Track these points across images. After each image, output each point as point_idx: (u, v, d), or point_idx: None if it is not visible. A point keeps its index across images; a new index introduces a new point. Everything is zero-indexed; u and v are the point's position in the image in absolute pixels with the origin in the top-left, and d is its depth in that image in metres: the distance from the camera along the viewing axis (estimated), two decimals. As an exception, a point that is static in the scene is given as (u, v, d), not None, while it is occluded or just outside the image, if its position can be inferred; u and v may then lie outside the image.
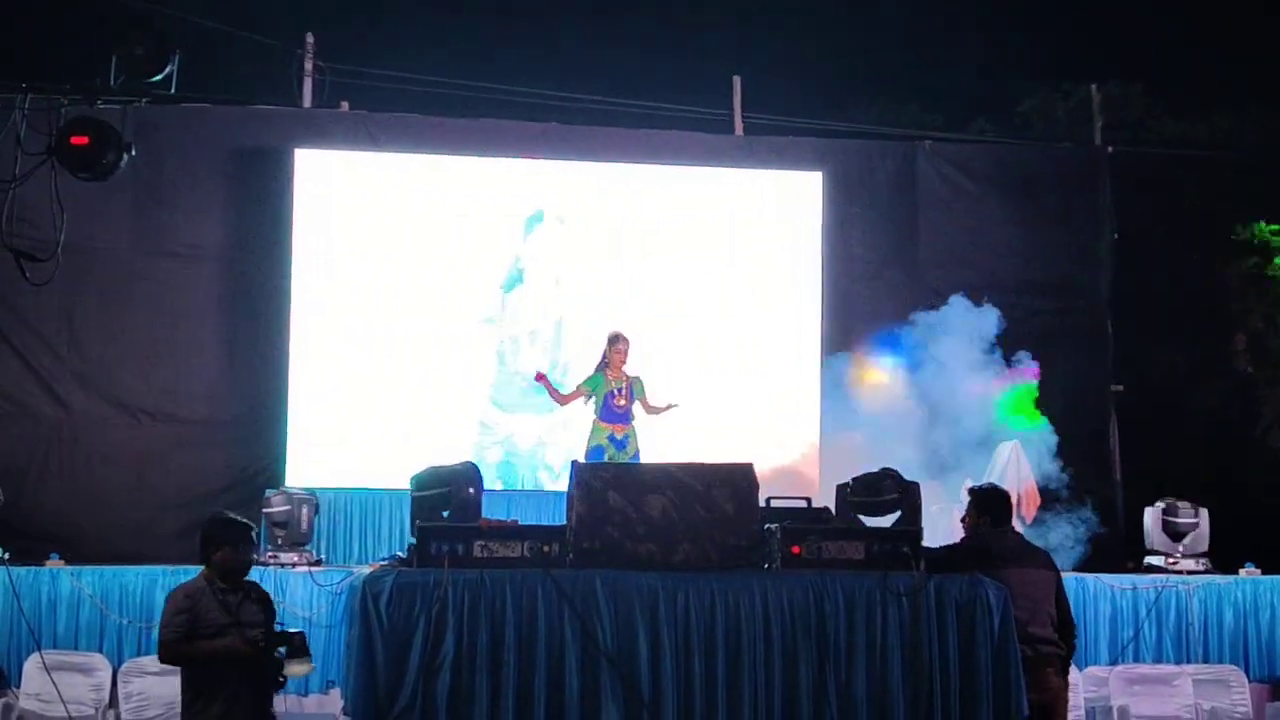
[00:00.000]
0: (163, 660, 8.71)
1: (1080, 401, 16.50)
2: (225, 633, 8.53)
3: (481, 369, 15.70)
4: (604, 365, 13.90)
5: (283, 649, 8.74)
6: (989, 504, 9.54)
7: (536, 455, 15.69)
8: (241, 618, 8.63)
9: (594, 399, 13.86)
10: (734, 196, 16.31)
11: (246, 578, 9.03)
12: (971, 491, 9.79)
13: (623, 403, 13.76)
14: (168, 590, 12.08)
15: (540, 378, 14.14)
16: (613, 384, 13.76)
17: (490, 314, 15.78)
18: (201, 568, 8.88)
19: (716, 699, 9.48)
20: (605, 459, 13.52)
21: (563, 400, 14.28)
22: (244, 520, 9.02)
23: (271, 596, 9.22)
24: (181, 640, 8.45)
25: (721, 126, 16.89)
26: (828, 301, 16.14)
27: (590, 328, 15.38)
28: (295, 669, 8.89)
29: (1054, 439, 14.96)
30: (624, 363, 13.86)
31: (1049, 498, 14.78)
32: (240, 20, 15.88)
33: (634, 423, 13.85)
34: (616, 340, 13.91)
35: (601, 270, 15.99)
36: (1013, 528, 9.54)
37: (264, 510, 13.12)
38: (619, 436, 13.66)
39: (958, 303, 15.31)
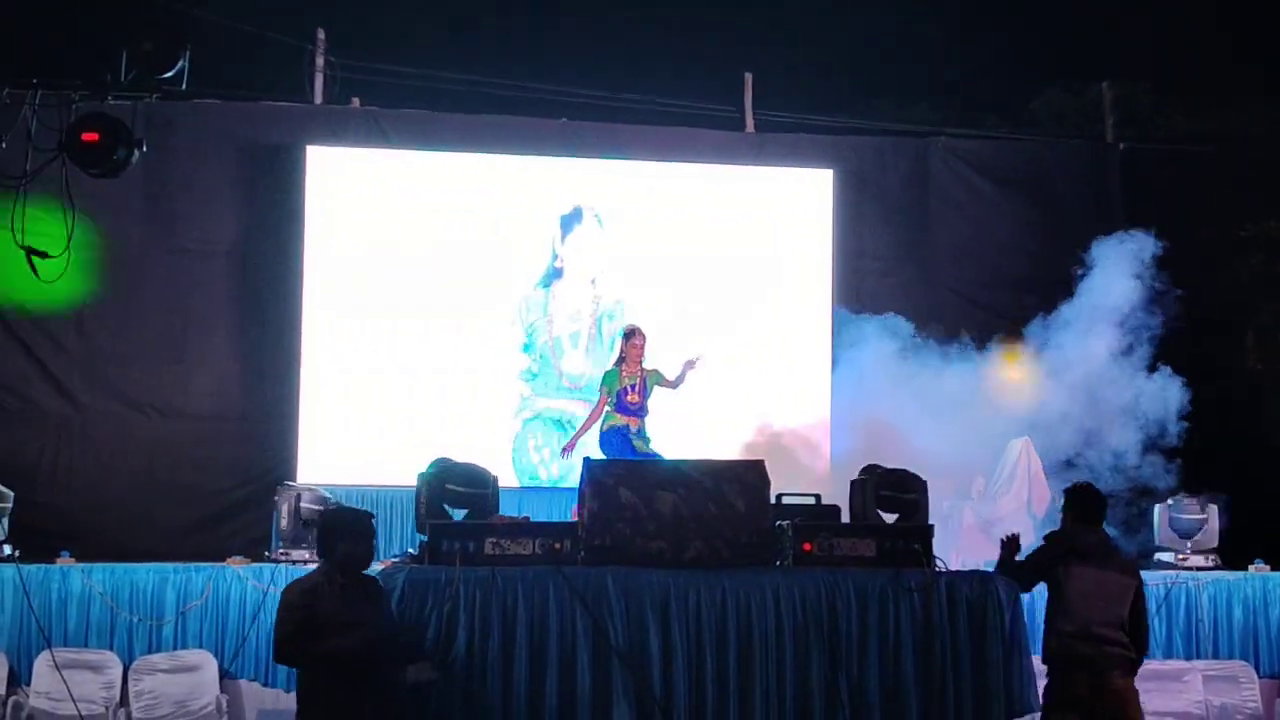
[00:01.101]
0: (278, 660, 8.36)
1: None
2: (346, 632, 8.02)
3: (492, 365, 15.68)
4: (620, 360, 13.83)
5: (404, 651, 8.44)
6: (1077, 501, 9.48)
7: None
8: (360, 617, 8.14)
9: (610, 393, 13.78)
10: (745, 193, 16.30)
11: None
12: (1065, 490, 9.74)
13: (635, 399, 13.69)
14: (178, 588, 12.22)
15: (567, 450, 14.08)
16: (626, 380, 13.68)
17: (504, 313, 15.76)
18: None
19: (728, 696, 9.48)
20: (627, 439, 13.47)
21: (593, 421, 13.98)
22: (366, 511, 8.69)
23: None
24: (295, 638, 7.95)
25: (733, 123, 16.89)
26: (838, 298, 16.11)
27: (599, 327, 15.42)
28: (419, 673, 8.59)
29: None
30: (641, 357, 13.75)
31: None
32: (251, 16, 15.90)
33: (648, 418, 13.77)
34: (632, 334, 13.82)
35: (610, 267, 15.96)
36: (1100, 528, 9.46)
37: (277, 507, 13.11)
38: (633, 429, 13.60)
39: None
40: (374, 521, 8.56)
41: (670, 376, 13.79)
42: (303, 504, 13.06)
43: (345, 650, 7.98)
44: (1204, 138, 18.28)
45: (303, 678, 8.12)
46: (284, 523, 13.05)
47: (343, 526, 8.35)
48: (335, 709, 7.98)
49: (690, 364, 13.79)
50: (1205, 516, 14.10)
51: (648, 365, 13.78)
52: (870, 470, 11.08)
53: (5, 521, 12.70)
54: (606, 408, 13.71)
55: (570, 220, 15.94)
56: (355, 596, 8.22)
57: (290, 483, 13.87)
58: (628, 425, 13.57)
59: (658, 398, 13.88)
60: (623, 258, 15.98)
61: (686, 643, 9.50)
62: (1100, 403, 15.04)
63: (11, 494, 12.91)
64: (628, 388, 13.66)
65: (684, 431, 14.64)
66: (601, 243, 16.01)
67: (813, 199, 16.39)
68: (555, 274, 15.93)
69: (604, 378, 13.89)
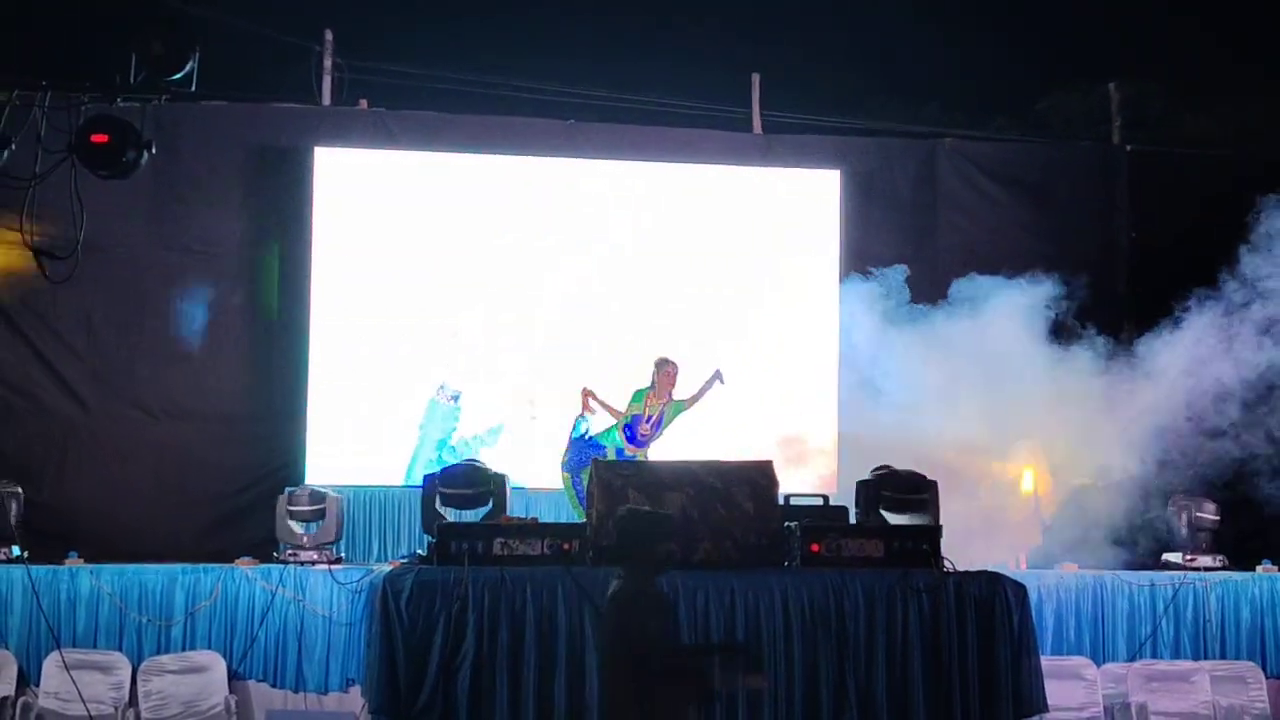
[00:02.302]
0: (641, 671, 7.57)
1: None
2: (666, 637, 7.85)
3: (500, 366, 15.68)
4: (650, 388, 13.79)
5: (726, 657, 8.26)
6: None
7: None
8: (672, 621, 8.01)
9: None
10: (752, 194, 16.30)
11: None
12: None
13: (647, 431, 13.67)
14: (187, 589, 12.23)
15: (588, 392, 13.92)
16: (649, 409, 13.66)
17: (510, 316, 15.77)
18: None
19: (737, 696, 9.50)
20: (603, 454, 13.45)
21: (613, 414, 14.02)
22: (666, 512, 8.56)
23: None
24: (657, 646, 7.62)
25: (740, 124, 16.88)
26: (846, 299, 16.09)
27: (607, 328, 15.45)
28: (754, 682, 8.52)
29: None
30: (671, 387, 13.74)
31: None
32: (260, 18, 15.91)
33: (649, 451, 13.74)
34: (665, 364, 13.80)
35: (619, 269, 15.96)
36: None
37: (285, 508, 13.13)
38: (629, 455, 13.56)
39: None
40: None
41: (689, 395, 13.81)
42: (309, 505, 13.10)
43: (696, 659, 7.93)
44: (1212, 139, 18.27)
45: (629, 689, 7.63)
46: (290, 524, 13.09)
47: (660, 527, 8.01)
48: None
49: (717, 376, 13.80)
50: (1214, 517, 14.10)
51: (677, 395, 13.80)
52: (881, 471, 11.12)
53: (15, 506, 12.72)
54: (615, 431, 13.70)
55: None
56: (665, 601, 8.09)
57: (301, 486, 13.90)
58: (621, 449, 13.55)
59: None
60: (629, 259, 15.96)
61: (695, 643, 9.52)
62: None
63: (20, 494, 12.94)
64: (648, 417, 13.64)
65: (691, 432, 14.64)
66: (607, 245, 15.97)
67: (820, 200, 16.39)
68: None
69: (634, 396, 13.87)
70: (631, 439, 13.62)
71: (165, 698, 12.06)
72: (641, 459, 13.52)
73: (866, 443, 14.33)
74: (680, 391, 13.81)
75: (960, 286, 15.04)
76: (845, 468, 15.15)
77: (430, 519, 10.83)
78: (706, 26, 22.67)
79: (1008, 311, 14.70)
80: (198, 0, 13.10)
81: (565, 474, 13.68)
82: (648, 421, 13.65)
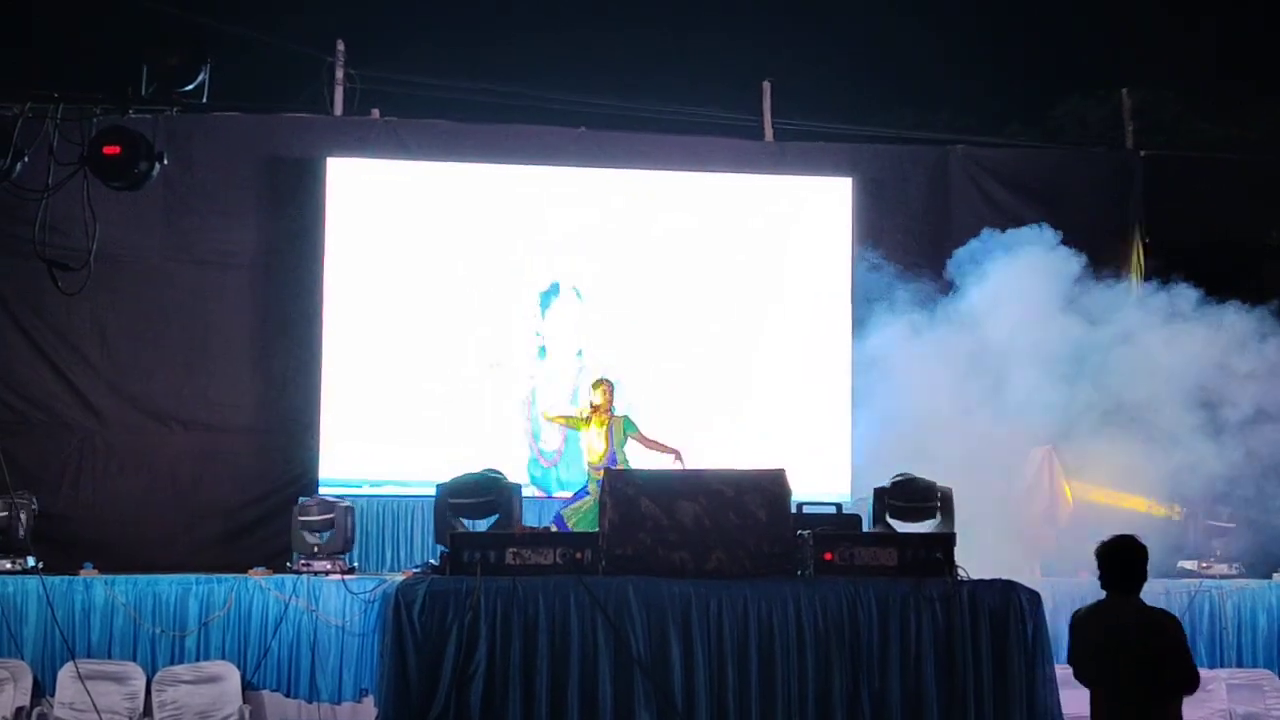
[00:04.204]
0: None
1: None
2: None
3: (515, 375, 15.68)
4: (590, 410, 13.91)
5: None
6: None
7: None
8: None
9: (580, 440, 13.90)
10: (764, 202, 16.28)
11: None
12: None
13: (600, 446, 13.73)
14: (200, 599, 12.26)
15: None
16: (596, 427, 13.75)
17: (521, 324, 15.78)
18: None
19: (750, 707, 9.50)
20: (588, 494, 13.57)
21: (555, 418, 14.55)
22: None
23: None
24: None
25: (752, 132, 16.86)
26: (858, 307, 16.08)
27: (619, 338, 15.47)
28: None
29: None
30: (607, 407, 13.83)
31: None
32: (271, 29, 15.92)
33: (621, 466, 13.76)
34: (595, 385, 13.96)
35: (631, 277, 15.96)
36: None
37: (298, 518, 13.14)
38: (595, 472, 13.60)
39: None
40: None
41: (643, 431, 13.83)
42: (322, 515, 13.11)
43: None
44: (1227, 144, 18.24)
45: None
46: (304, 534, 13.10)
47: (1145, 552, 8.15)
48: None
49: (677, 458, 13.81)
50: (1230, 525, 14.08)
51: (618, 411, 13.89)
52: (898, 479, 11.11)
53: (30, 517, 12.75)
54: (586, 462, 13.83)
55: (548, 296, 15.91)
56: None
57: (312, 495, 13.92)
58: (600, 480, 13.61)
59: (671, 409, 13.95)
60: (641, 267, 15.96)
61: (708, 653, 9.52)
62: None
63: (35, 502, 12.97)
64: (596, 434, 13.70)
65: (704, 440, 14.64)
66: (619, 254, 15.97)
67: (832, 207, 16.36)
68: (540, 352, 15.92)
69: (571, 422, 14.22)
70: (596, 462, 13.72)
71: (180, 708, 12.08)
72: (604, 466, 13.54)
73: (879, 449, 14.32)
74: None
75: (973, 293, 15.01)
76: (859, 475, 15.14)
77: (444, 529, 10.82)
78: (718, 35, 22.72)
79: (1021, 317, 14.69)
80: (210, 12, 13.10)
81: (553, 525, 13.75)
82: (599, 437, 13.75)
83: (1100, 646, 8.01)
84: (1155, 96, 19.44)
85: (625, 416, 13.82)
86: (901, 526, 11.05)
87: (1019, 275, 14.83)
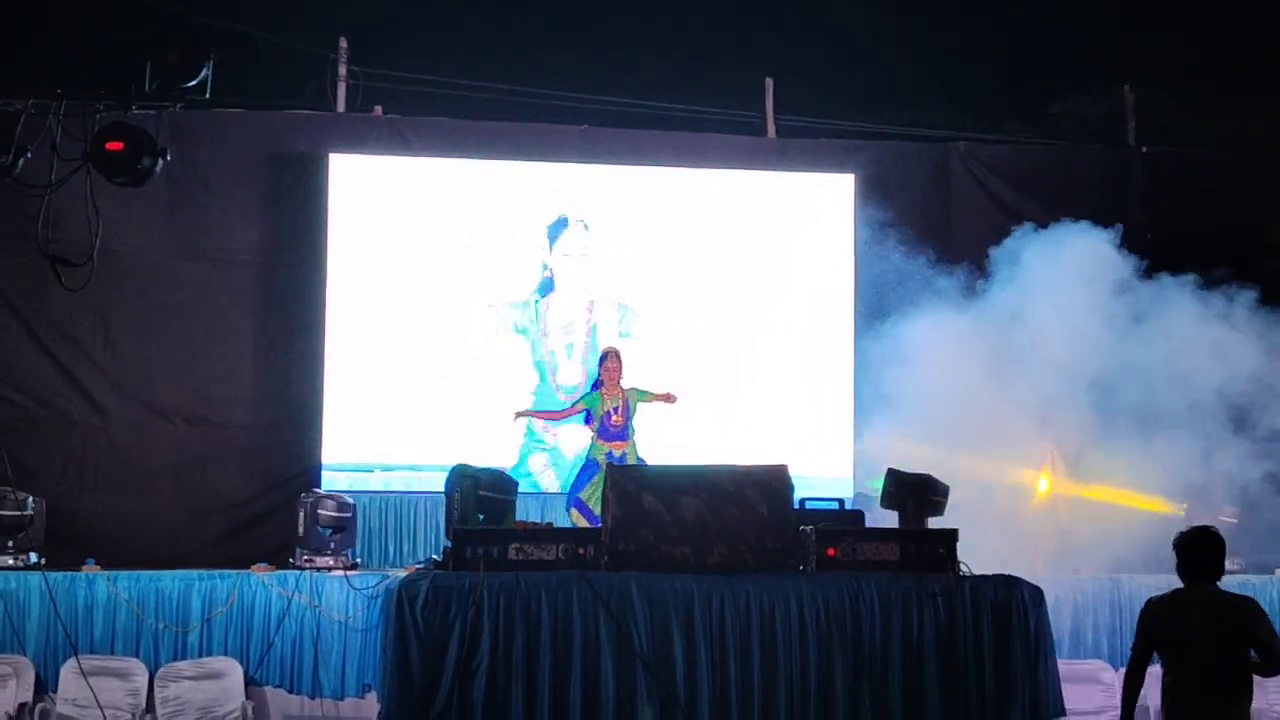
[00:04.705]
0: None
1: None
2: None
3: (519, 373, 15.69)
4: (599, 384, 13.91)
5: None
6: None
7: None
8: None
9: (594, 417, 13.86)
10: (766, 198, 16.29)
11: None
12: None
13: (619, 420, 13.73)
14: (203, 595, 12.28)
15: (520, 415, 14.46)
16: (608, 403, 13.76)
17: (524, 322, 15.77)
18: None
19: (752, 701, 9.52)
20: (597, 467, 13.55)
21: (558, 417, 14.63)
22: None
23: None
24: None
25: (754, 128, 16.87)
26: (860, 303, 16.10)
27: (619, 337, 15.48)
28: None
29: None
30: (617, 379, 13.84)
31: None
32: (274, 25, 15.93)
33: (634, 439, 13.80)
34: (605, 358, 13.97)
35: (633, 275, 15.98)
36: None
37: (303, 514, 13.15)
38: (617, 454, 13.61)
39: None
40: None
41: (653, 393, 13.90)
42: (326, 511, 13.11)
43: None
44: (1227, 141, 18.23)
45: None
46: (306, 530, 13.11)
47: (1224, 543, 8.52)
48: None
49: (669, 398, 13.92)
50: (1229, 521, 14.07)
51: (625, 385, 13.87)
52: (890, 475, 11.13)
53: (33, 512, 12.77)
54: (591, 436, 13.78)
55: (557, 228, 15.93)
56: None
57: (315, 490, 13.93)
58: (610, 451, 13.59)
59: (670, 408, 13.98)
60: (644, 263, 15.98)
61: (710, 647, 9.54)
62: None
63: (38, 498, 12.98)
64: (610, 411, 13.72)
65: (705, 437, 14.66)
66: (621, 250, 15.99)
67: (834, 204, 16.38)
68: (547, 285, 15.93)
69: (585, 399, 14.12)
70: (609, 435, 13.69)
71: (182, 704, 12.09)
72: (631, 451, 13.60)
73: (882, 446, 14.33)
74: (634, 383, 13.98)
75: (975, 289, 15.01)
76: (861, 473, 15.16)
77: (470, 517, 10.82)
78: (720, 31, 22.68)
79: (1023, 312, 14.69)
80: (213, 8, 13.10)
81: (572, 510, 13.75)
82: (615, 413, 13.72)
83: (1187, 632, 8.32)
84: (1156, 93, 19.42)
85: (634, 389, 13.86)
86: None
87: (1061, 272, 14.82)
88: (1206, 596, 8.36)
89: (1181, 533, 8.56)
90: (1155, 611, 8.50)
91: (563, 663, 9.38)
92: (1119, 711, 8.93)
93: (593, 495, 13.33)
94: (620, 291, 15.98)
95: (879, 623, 9.76)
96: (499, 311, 15.72)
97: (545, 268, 15.87)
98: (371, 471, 15.32)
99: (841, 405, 15.98)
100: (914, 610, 9.79)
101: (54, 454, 14.90)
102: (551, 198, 15.92)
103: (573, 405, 14.34)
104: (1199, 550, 8.43)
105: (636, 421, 13.81)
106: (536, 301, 15.83)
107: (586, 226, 15.96)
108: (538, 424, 15.38)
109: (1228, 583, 12.63)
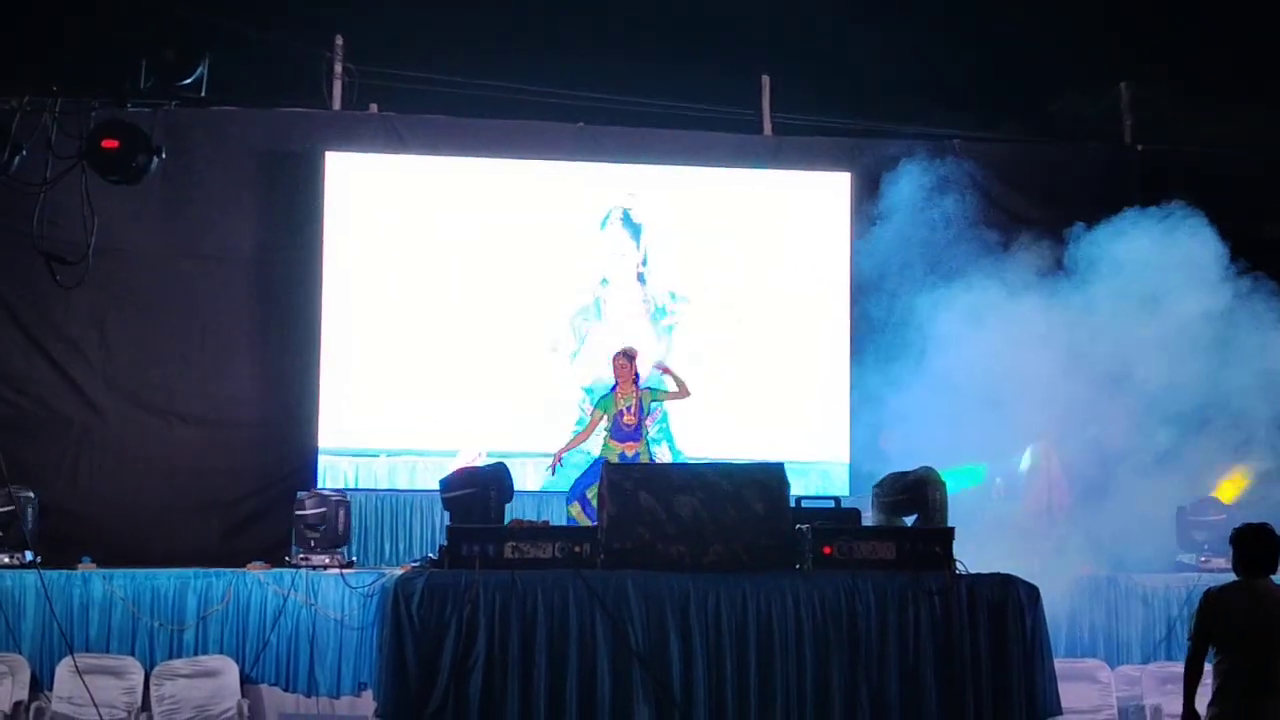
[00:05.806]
0: None
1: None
2: None
3: (515, 371, 15.67)
4: (614, 385, 13.90)
5: None
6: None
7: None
8: None
9: (608, 418, 13.84)
10: (762, 196, 16.29)
11: None
12: None
13: (631, 420, 13.71)
14: (199, 593, 12.29)
15: (555, 462, 14.00)
16: (621, 403, 13.74)
17: (522, 320, 15.76)
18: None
19: (748, 700, 9.51)
20: None
21: (585, 437, 14.28)
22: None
23: None
24: None
25: (750, 127, 16.86)
26: (856, 301, 16.08)
27: (619, 334, 15.46)
28: None
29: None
30: (629, 379, 13.82)
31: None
32: (270, 24, 15.90)
33: (647, 438, 13.80)
34: (615, 357, 13.96)
35: (630, 273, 15.97)
36: None
37: (296, 512, 13.16)
38: (629, 455, 13.60)
39: None
40: None
41: (669, 388, 13.89)
42: (320, 509, 13.13)
43: None
44: (1225, 139, 18.23)
45: None
46: (302, 528, 13.12)
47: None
48: None
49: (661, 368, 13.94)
50: (1226, 518, 14.08)
51: (643, 384, 13.87)
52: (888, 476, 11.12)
53: (28, 511, 12.77)
54: (604, 434, 13.76)
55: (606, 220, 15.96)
56: None
57: (313, 490, 13.93)
58: (623, 452, 13.58)
59: (675, 406, 13.98)
60: (640, 261, 15.97)
61: (706, 646, 9.54)
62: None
63: (33, 496, 12.98)
64: (622, 410, 13.70)
65: (701, 435, 14.65)
66: (619, 249, 15.99)
67: (830, 202, 16.37)
68: (604, 281, 15.93)
69: (599, 404, 14.02)
70: (621, 436, 13.68)
71: (178, 702, 12.10)
72: (644, 451, 13.61)
73: (878, 445, 14.33)
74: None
75: (970, 287, 15.00)
76: (857, 471, 15.17)
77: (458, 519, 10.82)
78: (717, 29, 22.65)
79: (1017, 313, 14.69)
80: (208, 6, 13.07)
81: (573, 505, 13.72)
82: (628, 412, 13.70)
83: (1247, 624, 8.53)
84: (1154, 91, 19.41)
85: (650, 388, 13.87)
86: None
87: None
88: (1263, 589, 8.56)
89: (1238, 527, 8.83)
90: (1213, 602, 8.68)
91: (559, 661, 9.38)
92: (1115, 709, 9.00)
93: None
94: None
95: (875, 621, 9.75)
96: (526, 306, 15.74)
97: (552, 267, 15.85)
98: (377, 456, 15.28)
99: (837, 404, 15.97)
100: (910, 609, 9.78)
101: (49, 452, 14.88)
102: (546, 195, 15.90)
103: (592, 418, 14.19)
104: (1257, 544, 8.65)
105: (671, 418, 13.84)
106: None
107: (598, 224, 15.96)
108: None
109: (1224, 580, 12.69)
